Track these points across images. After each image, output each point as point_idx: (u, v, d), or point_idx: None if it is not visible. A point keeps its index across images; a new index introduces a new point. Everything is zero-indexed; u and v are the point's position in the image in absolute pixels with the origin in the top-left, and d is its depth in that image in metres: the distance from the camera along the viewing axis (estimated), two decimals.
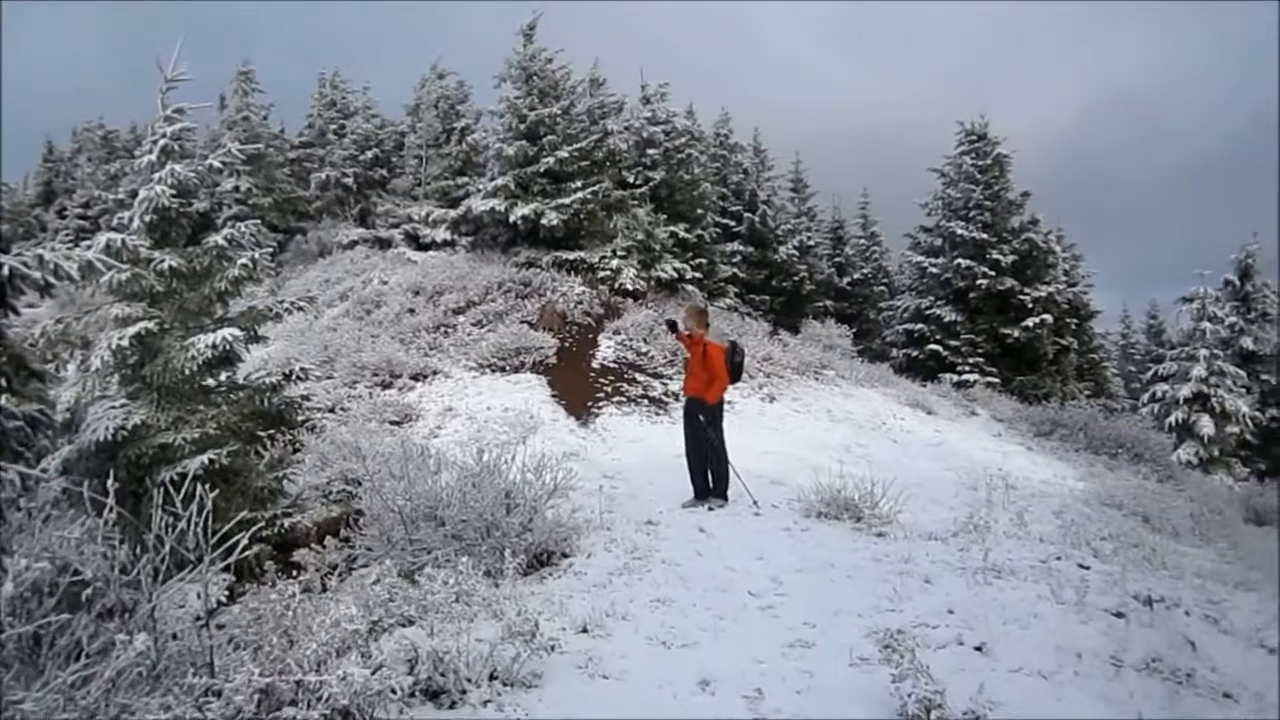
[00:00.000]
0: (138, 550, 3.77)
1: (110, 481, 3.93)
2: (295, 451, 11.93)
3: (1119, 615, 5.09)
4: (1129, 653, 4.55)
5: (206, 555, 3.66)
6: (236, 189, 28.78)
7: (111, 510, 3.67)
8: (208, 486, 8.54)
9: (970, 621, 4.89)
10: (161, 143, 9.21)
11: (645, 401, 15.49)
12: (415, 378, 16.40)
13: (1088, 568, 6.43)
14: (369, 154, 30.67)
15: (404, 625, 4.63)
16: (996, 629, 4.80)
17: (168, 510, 3.82)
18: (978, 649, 4.57)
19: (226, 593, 8.23)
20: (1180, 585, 6.40)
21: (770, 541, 7.21)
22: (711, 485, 9.22)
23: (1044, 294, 26.41)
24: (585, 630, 4.79)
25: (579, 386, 16.04)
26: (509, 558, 5.49)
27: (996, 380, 24.91)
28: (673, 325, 10.02)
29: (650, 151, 25.09)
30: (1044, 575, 5.90)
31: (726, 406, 9.75)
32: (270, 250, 26.78)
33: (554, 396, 15.53)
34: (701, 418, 9.19)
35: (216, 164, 9.47)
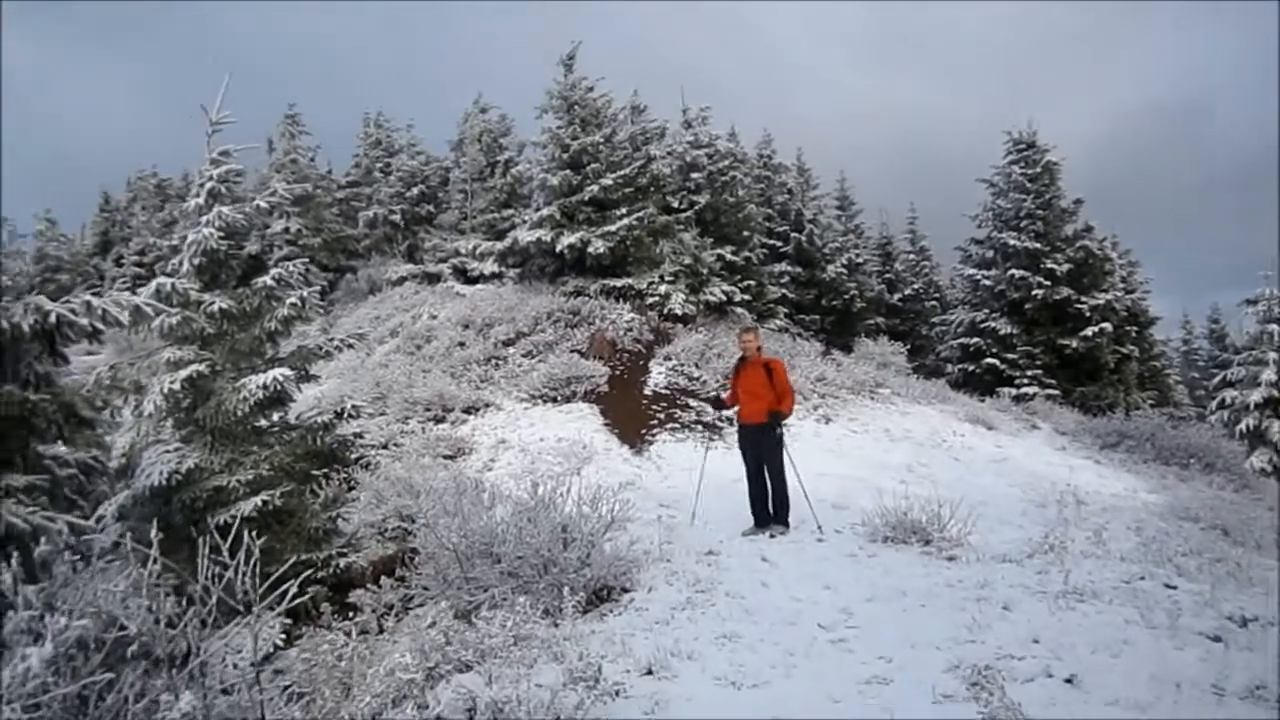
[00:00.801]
0: (186, 600, 3.66)
1: (154, 531, 3.81)
2: (350, 489, 11.88)
3: (1216, 639, 4.78)
4: (1230, 680, 4.25)
5: (256, 603, 3.51)
6: (286, 230, 29.17)
7: (156, 561, 3.55)
8: (257, 530, 8.50)
9: (1057, 651, 4.61)
10: (209, 185, 9.24)
11: (699, 427, 15.28)
12: (467, 411, 16.33)
13: (1174, 587, 6.10)
14: (415, 190, 30.92)
15: (461, 671, 4.46)
16: (1086, 658, 4.51)
17: (214, 560, 3.69)
18: (1068, 681, 4.28)
19: (283, 636, 8.17)
20: (1271, 602, 6.03)
21: (836, 569, 6.95)
22: (773, 512, 9.00)
23: (1102, 302, 25.80)
24: (650, 672, 4.56)
25: (632, 414, 15.88)
26: (567, 596, 5.31)
27: (1056, 392, 24.32)
28: (718, 403, 10.19)
29: (694, 175, 24.96)
30: (1130, 597, 5.59)
31: (785, 428, 9.55)
32: (320, 289, 27.16)
33: (607, 425, 15.37)
34: (778, 431, 9.09)
35: (263, 205, 9.48)
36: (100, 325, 6.04)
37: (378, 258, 30.05)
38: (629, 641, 5.00)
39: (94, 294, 6.17)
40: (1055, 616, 5.24)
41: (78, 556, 4.07)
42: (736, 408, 9.46)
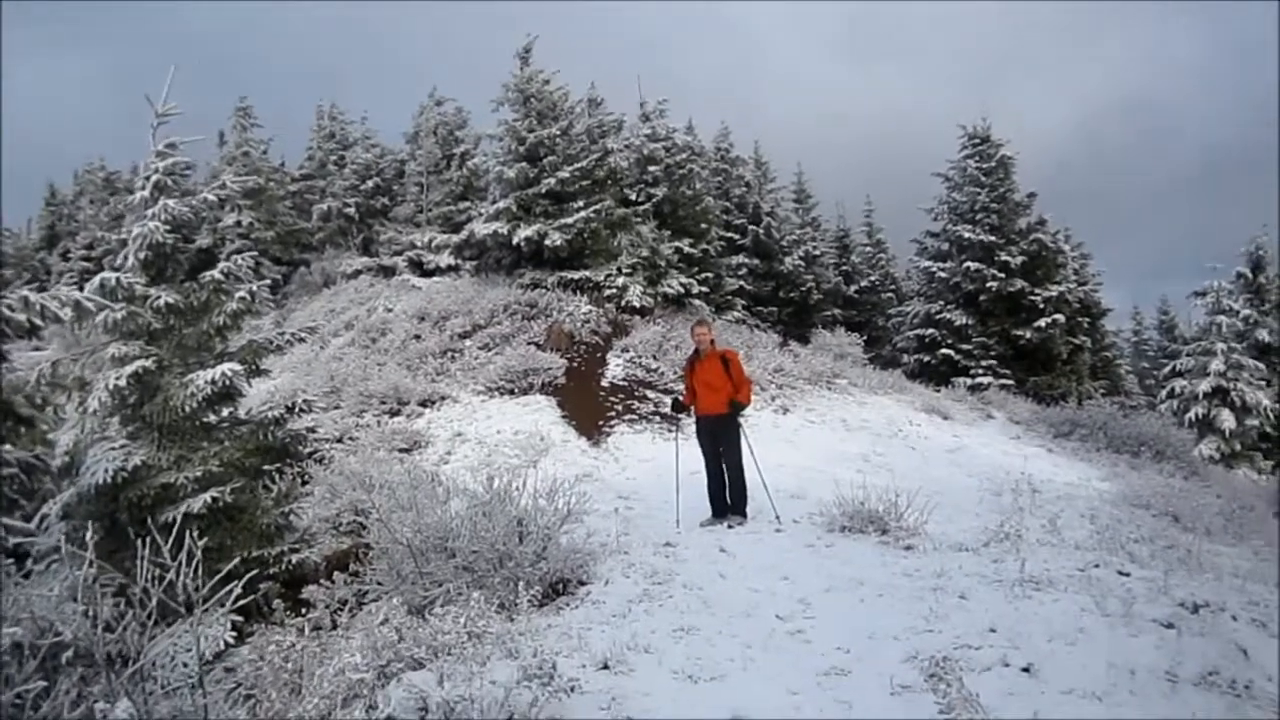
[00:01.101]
0: (128, 602, 3.54)
1: (90, 532, 3.68)
2: (304, 484, 11.70)
3: (1169, 626, 4.80)
4: (1184, 666, 4.27)
5: (197, 605, 3.40)
6: (239, 224, 28.76)
7: (92, 564, 3.43)
8: (207, 526, 8.32)
9: (1014, 640, 4.60)
10: (154, 178, 9.00)
11: (657, 419, 15.25)
12: (423, 404, 16.19)
13: (1128, 574, 6.13)
14: (370, 183, 30.57)
15: (414, 668, 4.37)
16: (1042, 647, 4.51)
17: (154, 560, 3.57)
18: (1025, 670, 4.28)
19: (234, 634, 8.01)
20: (1223, 588, 6.09)
21: (794, 559, 6.93)
22: (731, 502, 8.98)
23: (1055, 294, 26.12)
24: (606, 666, 4.50)
25: (589, 406, 15.82)
26: (522, 590, 5.24)
27: (1011, 382, 24.59)
28: (677, 405, 9.97)
29: (651, 168, 24.88)
30: (1085, 585, 5.60)
31: (743, 419, 9.55)
32: (273, 283, 26.78)
33: (564, 417, 15.31)
34: (738, 422, 9.11)
35: (212, 198, 9.26)
36: (39, 321, 5.87)
37: (332, 251, 29.69)
38: (585, 636, 4.93)
39: (35, 289, 5.98)
40: (1011, 605, 5.24)
41: (10, 559, 3.94)
42: (694, 402, 9.41)
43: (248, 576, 6.04)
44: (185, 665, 3.72)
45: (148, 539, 3.69)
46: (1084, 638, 4.64)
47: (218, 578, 3.90)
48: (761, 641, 4.91)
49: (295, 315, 25.33)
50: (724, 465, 9.01)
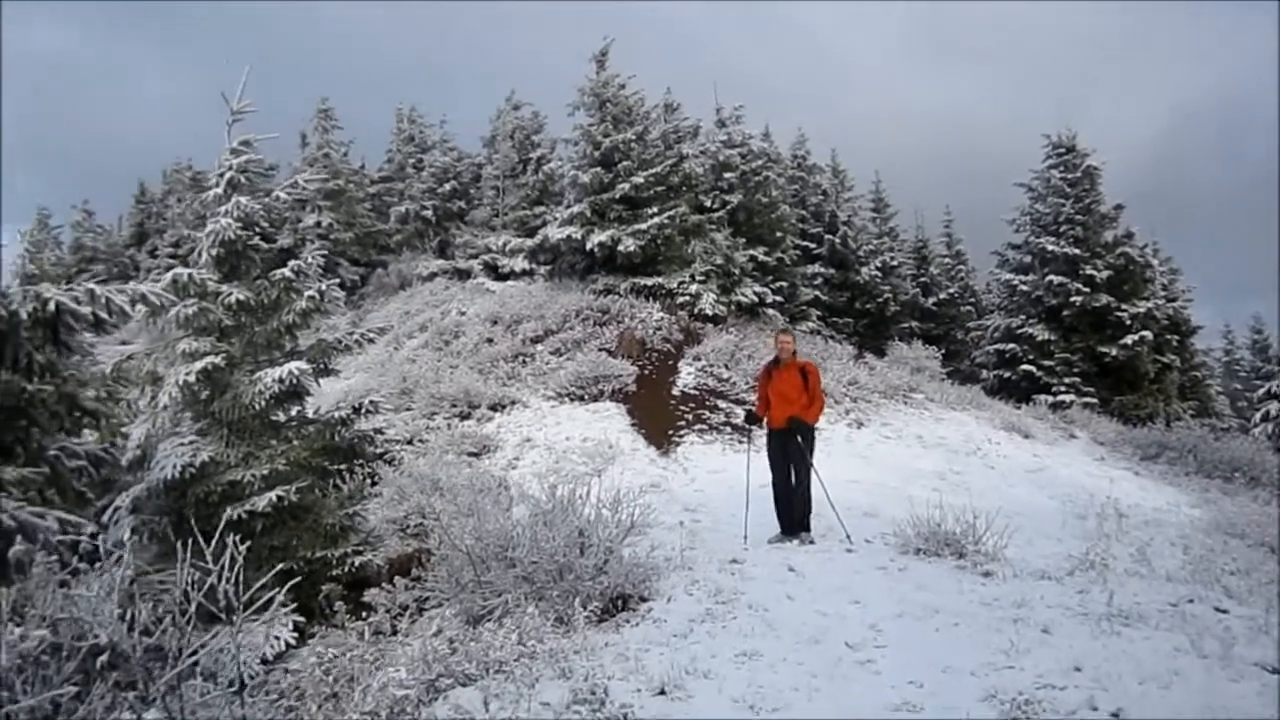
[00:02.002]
0: (186, 600, 3.43)
1: (128, 533, 3.59)
2: (373, 485, 11.72)
3: (1274, 671, 4.44)
4: None
5: (239, 611, 3.28)
6: (318, 224, 29.22)
7: (130, 566, 3.33)
8: (272, 525, 8.31)
9: (1102, 680, 4.28)
10: (228, 175, 9.07)
11: (728, 429, 15.00)
12: (493, 408, 16.16)
13: (1225, 611, 5.74)
14: (447, 186, 30.87)
15: (464, 684, 4.21)
16: (1133, 690, 4.18)
17: (196, 565, 3.45)
18: (1114, 716, 3.96)
19: (295, 635, 7.99)
20: None
21: (866, 582, 6.63)
22: (799, 519, 8.71)
23: (1142, 310, 25.21)
24: (663, 692, 4.27)
25: (659, 414, 15.63)
26: (578, 607, 5.04)
27: (1094, 401, 23.79)
28: (751, 418, 9.73)
29: (727, 175, 24.67)
30: (1178, 622, 5.24)
31: (816, 433, 9.33)
32: (348, 284, 27.09)
33: (633, 425, 15.14)
34: (800, 440, 8.76)
35: (284, 195, 9.30)
36: (104, 314, 5.86)
37: (409, 253, 29.99)
38: (643, 657, 4.71)
39: (99, 282, 5.99)
40: (1099, 642, 4.90)
41: (76, 556, 3.87)
42: (767, 413, 9.13)
43: (300, 578, 5.94)
44: (237, 669, 3.60)
45: (189, 541, 3.58)
46: (1179, 681, 4.30)
47: (266, 577, 3.76)
48: (828, 670, 4.64)
49: (371, 316, 25.59)
50: (794, 481, 8.74)
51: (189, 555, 3.46)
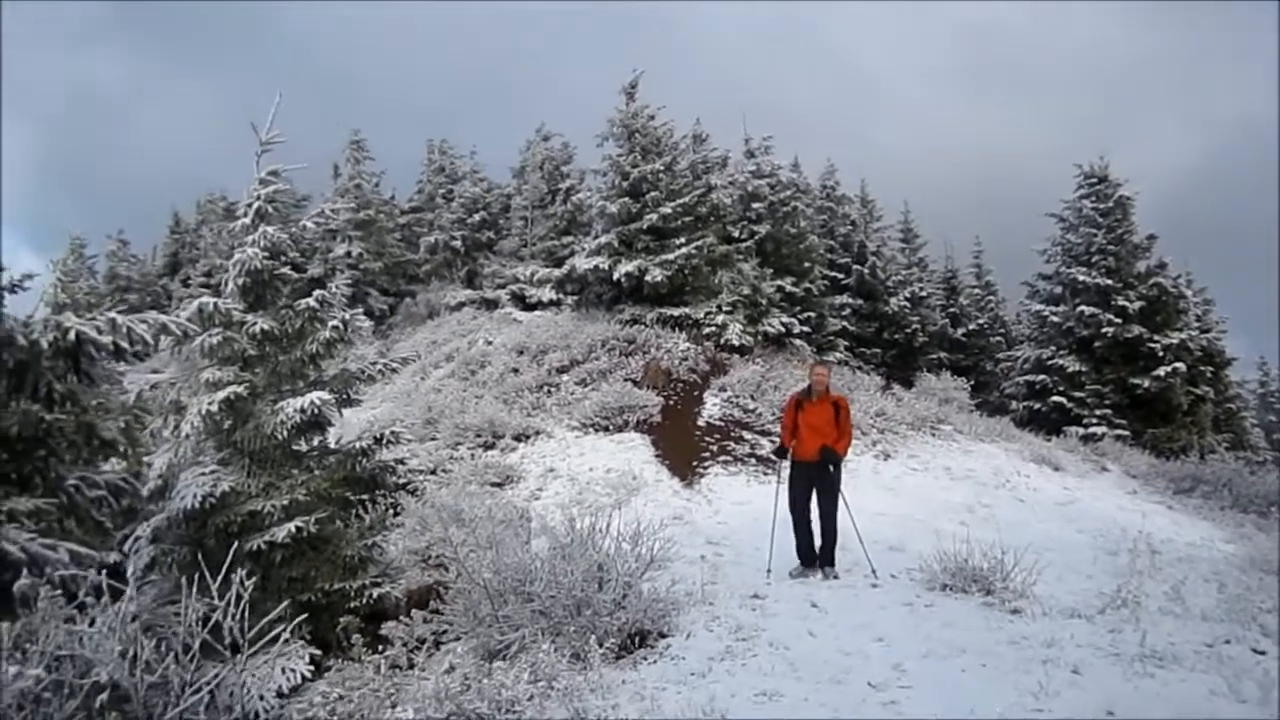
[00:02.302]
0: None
1: (133, 568, 3.54)
2: (395, 515, 11.68)
3: None
4: None
5: (244, 649, 3.22)
6: (348, 254, 29.45)
7: (131, 600, 3.28)
8: (291, 556, 8.26)
9: None
10: (256, 205, 9.12)
11: (753, 461, 14.87)
12: (518, 438, 16.12)
13: (1263, 652, 5.56)
14: (476, 217, 31.06)
15: None
16: None
17: (202, 599, 3.40)
18: None
19: (311, 668, 7.92)
20: None
21: (891, 619, 6.49)
22: (822, 553, 8.58)
23: (1175, 341, 24.81)
24: None
25: (684, 445, 15.52)
26: (593, 644, 4.94)
27: (1126, 433, 23.40)
28: (781, 452, 9.31)
29: (755, 205, 24.66)
30: (1215, 664, 5.07)
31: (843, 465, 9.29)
32: (365, 311, 27.19)
33: (658, 456, 15.04)
34: (832, 470, 8.69)
35: (311, 225, 9.33)
36: (125, 344, 5.87)
37: (437, 283, 30.17)
38: (659, 696, 4.61)
39: (124, 312, 6.00)
40: (1131, 684, 4.75)
41: (83, 590, 3.82)
42: (793, 444, 8.99)
43: (317, 610, 5.86)
44: (241, 707, 3.54)
45: (194, 577, 3.53)
46: None
47: (276, 611, 3.70)
48: (850, 712, 4.52)
49: (399, 346, 25.69)
50: (819, 514, 8.60)
51: (194, 590, 3.41)
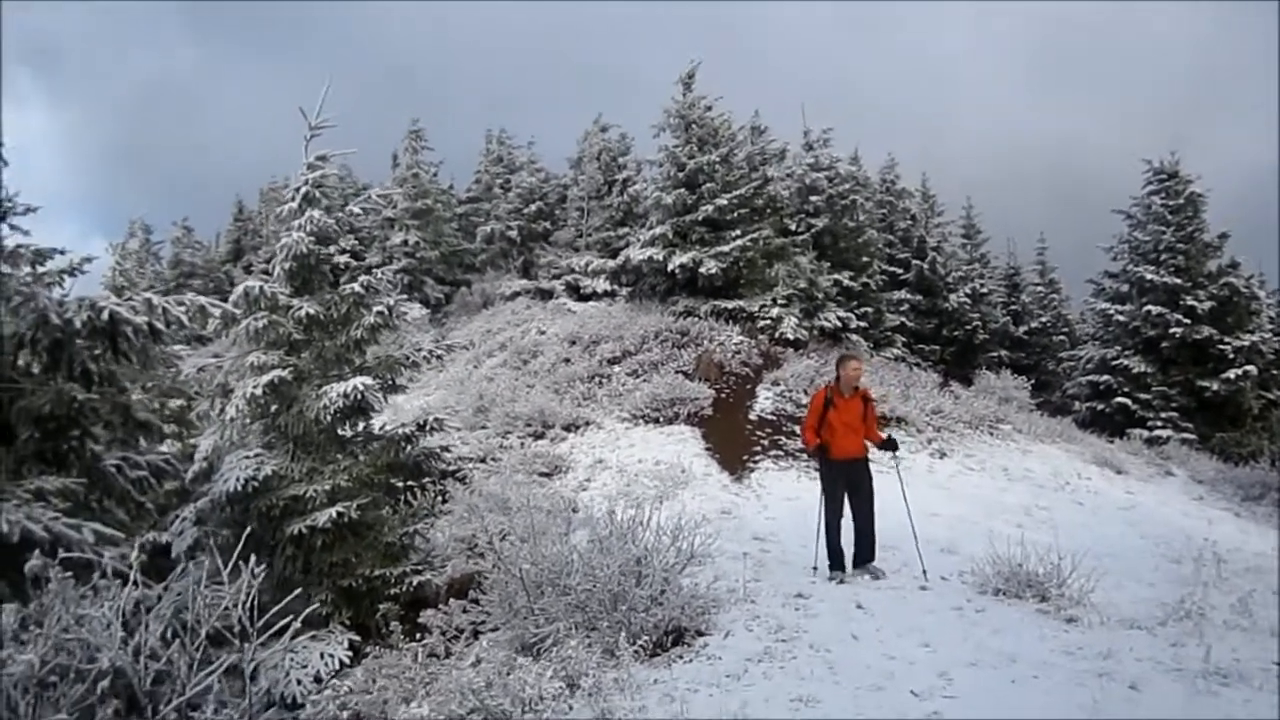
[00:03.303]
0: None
1: (136, 552, 3.46)
2: (444, 502, 11.65)
3: None
4: None
5: (253, 636, 3.11)
6: (405, 243, 29.61)
7: (137, 585, 3.19)
8: (333, 541, 8.23)
9: None
10: (303, 190, 9.11)
11: (803, 456, 14.61)
12: (567, 428, 16.04)
13: None
14: (533, 207, 31.04)
15: None
16: None
17: (213, 583, 3.30)
18: None
19: (350, 654, 7.89)
20: None
21: (938, 624, 6.25)
22: (861, 552, 8.30)
23: (1246, 343, 24.00)
24: None
25: (734, 439, 15.32)
26: (624, 643, 4.78)
27: (1193, 437, 22.70)
28: (822, 450, 8.59)
29: (813, 198, 24.33)
30: None
31: (896, 462, 9.47)
32: (422, 299, 27.36)
33: (708, 449, 14.86)
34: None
35: (357, 210, 9.28)
36: (161, 325, 5.83)
37: (493, 272, 30.26)
38: (690, 699, 4.43)
39: (158, 293, 5.98)
40: (1192, 703, 4.48)
41: (99, 573, 3.75)
42: (829, 443, 8.62)
43: (344, 600, 5.77)
44: (249, 700, 3.44)
45: (205, 561, 3.44)
46: None
47: (286, 600, 3.59)
48: None
49: (454, 334, 25.80)
50: (856, 514, 8.33)
51: (204, 577, 3.32)
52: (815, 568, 8.44)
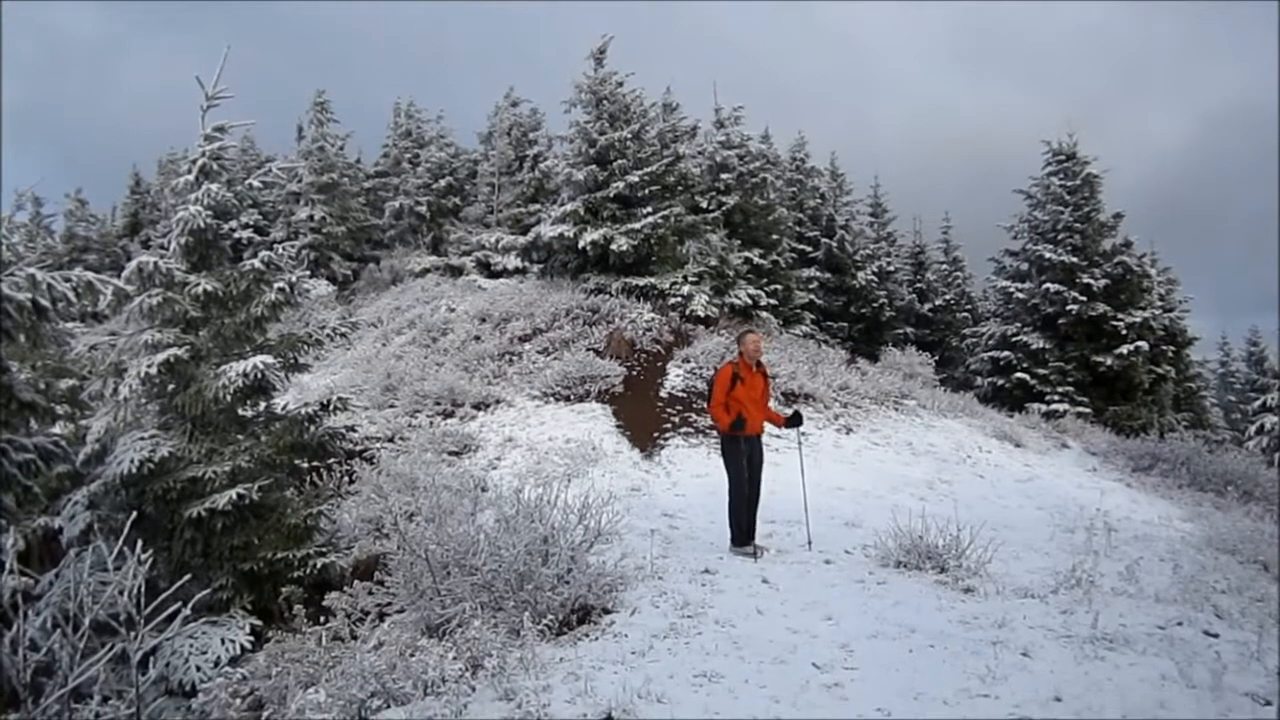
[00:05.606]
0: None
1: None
2: (350, 483, 11.46)
3: (1266, 703, 4.19)
4: None
5: (140, 624, 3.00)
6: (310, 218, 28.90)
7: (14, 573, 3.06)
8: (233, 524, 8.04)
9: (1082, 713, 4.02)
10: (200, 162, 8.82)
11: (713, 433, 14.71)
12: (477, 407, 15.89)
13: (1216, 635, 5.48)
14: (442, 182, 30.52)
15: (401, 703, 3.94)
16: None
17: (97, 571, 3.18)
18: None
19: (252, 639, 7.73)
20: None
21: (841, 597, 6.36)
22: (750, 527, 8.34)
23: (1138, 320, 24.92)
24: (609, 718, 4.01)
25: (645, 417, 15.34)
26: (528, 622, 4.76)
27: (1088, 410, 23.51)
28: (739, 424, 8.42)
29: (724, 176, 24.44)
30: (1166, 647, 4.98)
31: (802, 437, 9.50)
32: (309, 274, 26.75)
33: (619, 427, 14.86)
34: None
35: (256, 184, 9.02)
36: (45, 303, 5.59)
37: (402, 249, 29.72)
38: (595, 677, 4.42)
39: (47, 268, 5.73)
40: (1081, 668, 4.64)
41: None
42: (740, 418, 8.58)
43: (245, 583, 5.65)
44: (136, 692, 3.33)
45: (94, 546, 3.31)
46: (1165, 713, 4.05)
47: (181, 582, 3.49)
48: (792, 696, 4.37)
49: (361, 311, 25.31)
50: (754, 488, 8.36)
51: (94, 563, 3.20)
52: (727, 543, 8.44)
